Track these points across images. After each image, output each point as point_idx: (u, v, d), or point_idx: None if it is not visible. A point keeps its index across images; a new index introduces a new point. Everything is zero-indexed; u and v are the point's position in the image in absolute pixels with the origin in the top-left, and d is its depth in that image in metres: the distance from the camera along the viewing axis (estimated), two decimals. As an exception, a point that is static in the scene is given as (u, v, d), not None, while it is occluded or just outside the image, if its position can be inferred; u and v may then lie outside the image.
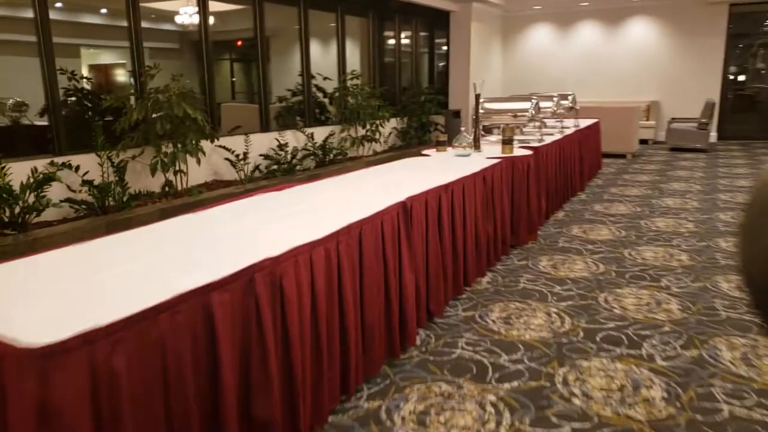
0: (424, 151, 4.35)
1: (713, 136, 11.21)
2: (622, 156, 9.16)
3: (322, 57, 10.96)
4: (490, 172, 3.55)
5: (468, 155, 4.12)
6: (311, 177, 6.88)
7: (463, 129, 4.19)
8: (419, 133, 10.25)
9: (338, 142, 8.54)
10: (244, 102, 10.84)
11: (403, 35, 11.31)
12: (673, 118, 10.68)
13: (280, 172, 7.01)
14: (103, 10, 8.18)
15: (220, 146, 6.37)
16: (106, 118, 5.37)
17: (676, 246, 4.30)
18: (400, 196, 2.49)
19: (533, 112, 4.79)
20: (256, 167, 6.89)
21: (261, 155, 7.10)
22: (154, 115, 5.02)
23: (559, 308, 3.10)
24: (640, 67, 11.61)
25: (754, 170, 7.70)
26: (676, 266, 3.80)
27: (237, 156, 6.57)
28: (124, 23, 5.63)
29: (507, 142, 4.20)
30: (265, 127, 7.59)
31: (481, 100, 5.13)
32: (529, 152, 4.29)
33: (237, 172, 6.57)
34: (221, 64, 13.38)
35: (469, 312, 3.03)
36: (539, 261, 3.95)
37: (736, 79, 11.60)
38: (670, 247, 4.26)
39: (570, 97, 6.40)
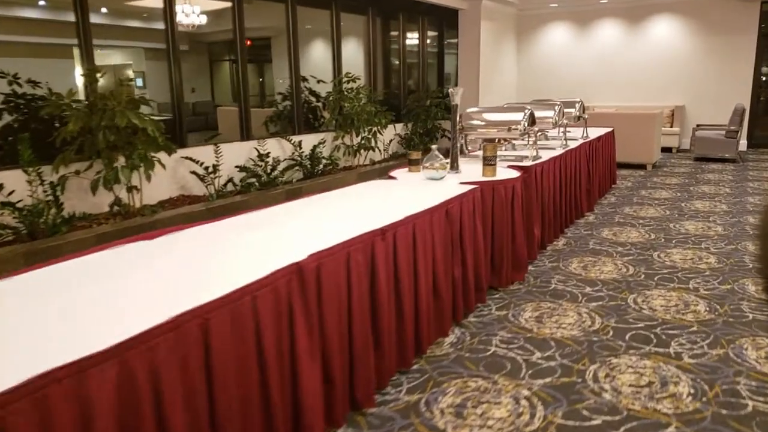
0: (393, 173, 3.70)
1: (743, 144, 10.31)
2: (642, 167, 8.36)
3: (323, 59, 10.38)
4: (458, 203, 2.89)
5: (441, 178, 3.46)
6: (289, 194, 6.28)
7: (435, 147, 3.53)
8: (424, 139, 9.57)
9: (331, 150, 7.94)
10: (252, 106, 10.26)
11: (409, 35, 10.65)
12: (698, 125, 9.81)
13: (259, 186, 6.44)
14: (42, 2, 7.53)
15: (186, 158, 5.82)
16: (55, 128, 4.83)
17: (693, 290, 3.57)
18: (304, 250, 1.86)
19: (526, 125, 4.11)
20: (230, 180, 6.31)
21: (237, 167, 6.52)
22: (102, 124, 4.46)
23: (535, 389, 2.44)
24: (663, 69, 10.76)
25: (790, 186, 6.88)
26: (690, 321, 3.08)
27: (207, 168, 6.01)
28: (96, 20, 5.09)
29: (489, 163, 3.53)
30: (246, 135, 7.02)
31: (472, 109, 4.46)
32: (515, 174, 3.61)
33: (206, 186, 6.00)
34: (221, 66, 12.92)
35: (412, 396, 2.38)
36: (522, 310, 3.27)
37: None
38: (685, 291, 3.53)
39: (577, 105, 5.67)
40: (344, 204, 2.78)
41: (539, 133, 5.24)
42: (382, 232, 2.21)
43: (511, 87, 11.90)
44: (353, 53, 10.45)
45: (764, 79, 10.60)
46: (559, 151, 4.74)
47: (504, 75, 11.60)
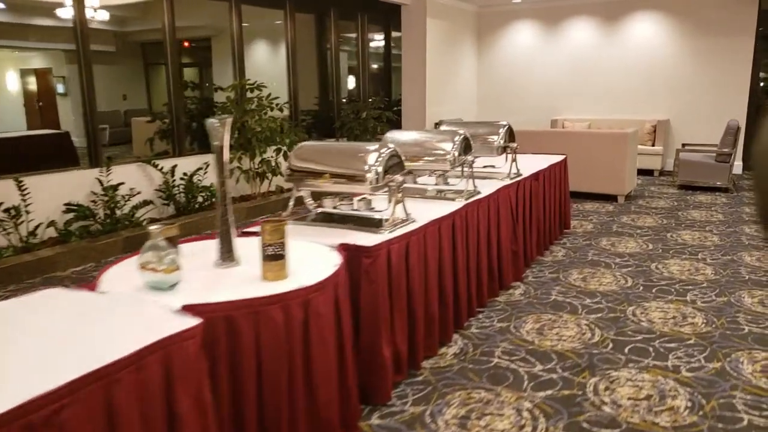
0: (103, 274, 2.07)
1: (737, 167, 8.72)
2: (613, 199, 6.76)
3: (261, 63, 8.84)
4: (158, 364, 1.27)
5: (170, 288, 1.85)
6: (128, 243, 4.57)
7: (155, 226, 1.91)
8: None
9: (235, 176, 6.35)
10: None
11: (347, 35, 9.06)
12: (684, 145, 8.22)
13: (101, 229, 4.84)
14: None
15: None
16: None
17: None
18: None
19: (376, 177, 2.50)
20: (51, 224, 4.71)
21: (68, 204, 4.91)
22: None
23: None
24: (645, 77, 9.17)
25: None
26: None
27: (8, 210, 4.41)
28: None
29: (271, 255, 1.92)
30: (95, 160, 5.41)
31: (308, 144, 2.88)
32: (307, 283, 1.95)
33: (6, 235, 4.40)
34: (159, 69, 11.38)
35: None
36: None
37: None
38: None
39: (501, 132, 4.06)
40: None
41: (437, 175, 3.63)
42: None
43: (470, 98, 10.30)
44: (271, 57, 8.86)
45: (762, 85, 9.02)
46: (454, 205, 3.13)
47: (463, 83, 10.00)
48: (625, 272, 4.25)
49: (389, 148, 2.65)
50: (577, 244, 5.00)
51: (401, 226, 2.62)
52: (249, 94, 6.46)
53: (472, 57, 10.24)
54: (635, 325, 3.30)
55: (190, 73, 10.27)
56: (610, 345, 3.04)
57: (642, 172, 8.63)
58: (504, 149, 4.13)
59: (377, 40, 9.72)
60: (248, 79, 6.55)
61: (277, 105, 6.55)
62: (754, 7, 8.29)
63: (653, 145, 8.75)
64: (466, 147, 3.38)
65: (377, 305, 2.36)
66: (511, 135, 4.20)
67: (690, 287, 3.91)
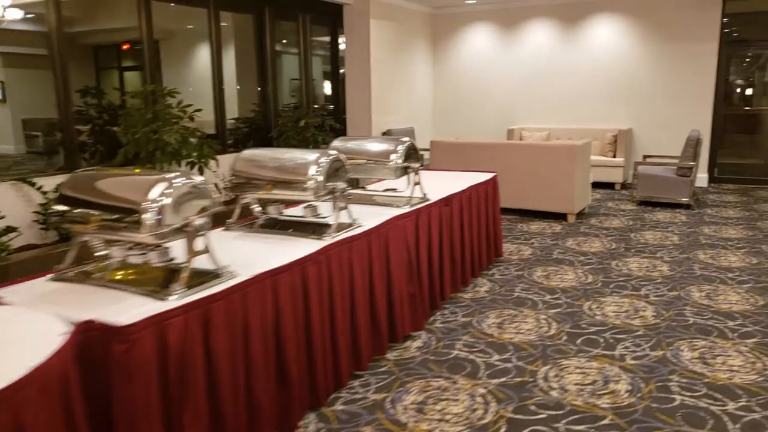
0: None
1: (702, 179, 8.16)
2: (562, 217, 6.14)
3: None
4: None
5: None
6: None
7: None
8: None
9: None
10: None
11: (286, 37, 8.40)
12: (645, 156, 7.65)
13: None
14: None
15: None
16: None
17: None
18: None
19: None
20: None
21: None
22: None
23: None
24: (607, 84, 8.60)
25: (757, 251, 4.69)
26: None
27: None
28: None
29: None
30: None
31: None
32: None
33: None
34: (111, 74, 10.68)
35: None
36: None
37: (735, 99, 8.57)
38: None
39: (399, 150, 3.40)
40: None
41: (305, 205, 2.97)
42: None
43: (424, 105, 9.66)
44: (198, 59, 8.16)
45: (730, 96, 8.49)
46: (312, 246, 2.46)
47: (416, 90, 9.37)
48: (553, 314, 3.60)
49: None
50: (507, 275, 4.35)
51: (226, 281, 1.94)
52: (169, 100, 5.75)
53: (426, 62, 9.61)
54: (543, 396, 2.65)
55: (132, 78, 9.56)
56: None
57: (602, 186, 8.05)
58: (405, 170, 3.47)
59: (323, 43, 9.07)
60: (158, 85, 5.84)
61: (186, 114, 5.84)
62: (717, 12, 7.75)
63: (615, 157, 8.16)
64: (336, 171, 2.71)
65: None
66: (413, 153, 3.54)
67: (623, 336, 3.27)
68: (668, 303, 3.77)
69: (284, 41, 8.44)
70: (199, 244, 1.98)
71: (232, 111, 7.71)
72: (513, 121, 9.22)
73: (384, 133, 8.25)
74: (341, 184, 2.73)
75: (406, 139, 3.56)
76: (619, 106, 8.54)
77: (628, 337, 3.27)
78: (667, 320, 3.49)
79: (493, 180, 4.51)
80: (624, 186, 8.15)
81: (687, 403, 2.56)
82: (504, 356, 3.04)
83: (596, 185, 7.91)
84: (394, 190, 3.61)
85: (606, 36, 8.50)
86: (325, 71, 9.28)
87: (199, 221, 1.94)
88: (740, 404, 2.55)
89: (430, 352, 3.10)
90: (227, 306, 1.96)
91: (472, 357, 3.03)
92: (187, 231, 1.94)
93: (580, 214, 6.30)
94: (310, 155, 2.67)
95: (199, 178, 2.00)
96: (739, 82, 8.62)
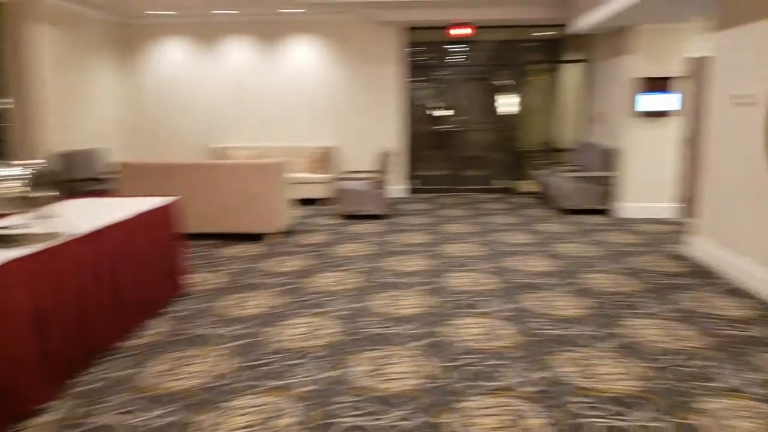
0: None
1: (402, 190, 8.94)
2: (261, 238, 5.96)
3: None
4: None
5: None
6: None
7: None
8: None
9: None
10: None
11: None
12: (346, 172, 8.02)
13: None
14: None
15: None
16: None
17: None
18: None
19: None
20: None
21: None
22: None
23: None
24: (310, 102, 8.83)
25: (437, 251, 5.16)
26: None
27: None
28: None
29: None
30: None
31: None
32: None
33: None
34: None
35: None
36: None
37: (426, 118, 9.64)
38: None
39: (20, 176, 2.72)
40: None
41: None
42: None
43: (115, 125, 8.63)
44: None
45: (429, 113, 9.50)
46: None
47: (103, 108, 8.31)
48: (233, 348, 3.28)
49: None
50: (189, 311, 3.91)
51: None
52: None
53: (116, 76, 8.62)
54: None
55: None
56: None
57: (311, 202, 8.18)
58: (33, 201, 2.78)
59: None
60: None
61: None
62: (402, 39, 8.56)
63: (323, 173, 8.39)
64: None
65: None
66: (47, 180, 2.87)
67: (300, 361, 3.12)
68: (350, 317, 3.78)
69: None
70: None
71: None
72: (219, 140, 8.85)
73: (62, 155, 7.07)
74: None
75: (39, 161, 2.87)
76: (325, 124, 8.84)
77: (309, 360, 3.13)
78: (347, 335, 3.47)
79: (171, 206, 4.03)
80: (330, 201, 8.42)
81: (358, 423, 2.50)
82: (165, 410, 2.60)
83: (305, 202, 8.01)
84: (20, 226, 2.87)
85: (306, 56, 8.72)
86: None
87: None
88: (403, 413, 2.56)
89: (66, 425, 2.48)
90: None
91: (123, 419, 2.52)
92: None
93: (282, 233, 6.21)
94: None
95: None
96: (431, 103, 9.75)
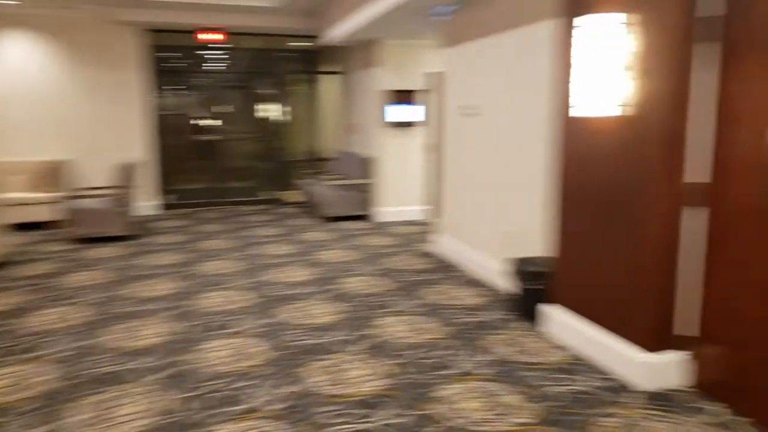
0: None
1: (152, 207, 8.13)
2: (-34, 272, 4.80)
3: None
4: None
5: None
6: None
7: None
8: None
9: None
10: None
11: None
12: (79, 189, 6.97)
13: None
14: None
15: None
16: None
17: None
18: None
19: None
20: None
21: None
22: None
23: None
24: (36, 110, 7.51)
25: (190, 271, 4.68)
26: None
27: None
28: None
29: None
30: None
31: None
32: None
33: None
34: None
35: None
36: None
37: (185, 128, 8.92)
38: None
39: None
40: None
41: None
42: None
43: None
44: None
45: (168, 120, 8.76)
46: None
47: None
48: None
49: None
50: None
51: None
52: None
53: None
54: None
55: None
56: None
57: (33, 227, 6.85)
58: None
59: None
60: None
61: None
62: (143, 38, 7.80)
63: (50, 191, 7.16)
64: None
65: None
66: None
67: (1, 421, 2.46)
68: (73, 357, 3.16)
69: None
70: None
71: None
72: None
73: None
74: None
75: None
76: (53, 134, 7.59)
77: (12, 419, 2.48)
78: (66, 380, 2.86)
79: None
80: (61, 224, 7.24)
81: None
82: None
83: (26, 227, 6.73)
84: None
85: (27, 57, 7.40)
86: None
87: None
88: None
89: None
90: None
91: None
92: None
93: (-3, 265, 5.09)
94: None
95: None
96: (188, 111, 9.03)
